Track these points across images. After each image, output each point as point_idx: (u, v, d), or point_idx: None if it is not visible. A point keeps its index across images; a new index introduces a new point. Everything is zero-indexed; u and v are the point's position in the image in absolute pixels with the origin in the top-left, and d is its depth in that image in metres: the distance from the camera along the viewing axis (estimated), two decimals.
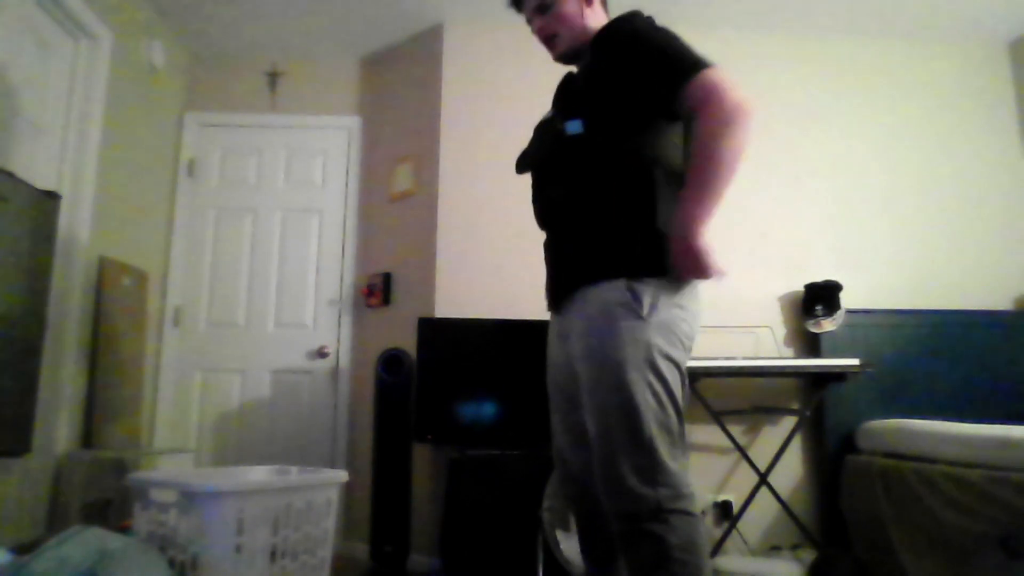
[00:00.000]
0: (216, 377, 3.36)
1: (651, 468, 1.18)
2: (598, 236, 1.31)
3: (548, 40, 1.50)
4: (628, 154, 1.31)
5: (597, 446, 1.23)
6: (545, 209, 1.45)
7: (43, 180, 2.47)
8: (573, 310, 1.33)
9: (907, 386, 2.98)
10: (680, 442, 1.23)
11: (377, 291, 3.32)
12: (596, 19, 1.47)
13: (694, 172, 1.22)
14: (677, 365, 1.25)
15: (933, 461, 2.37)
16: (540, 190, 1.47)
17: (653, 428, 1.19)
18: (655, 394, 1.20)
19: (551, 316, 1.50)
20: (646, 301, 1.23)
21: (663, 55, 1.25)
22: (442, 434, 2.76)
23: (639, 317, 1.22)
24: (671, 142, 1.34)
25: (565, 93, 1.51)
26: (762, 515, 2.92)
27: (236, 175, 3.55)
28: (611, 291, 1.25)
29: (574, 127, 1.34)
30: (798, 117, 3.36)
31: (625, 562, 1.22)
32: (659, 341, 1.22)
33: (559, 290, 1.41)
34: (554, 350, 1.46)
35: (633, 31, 1.32)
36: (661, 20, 1.37)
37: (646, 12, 1.41)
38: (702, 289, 1.35)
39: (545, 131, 1.49)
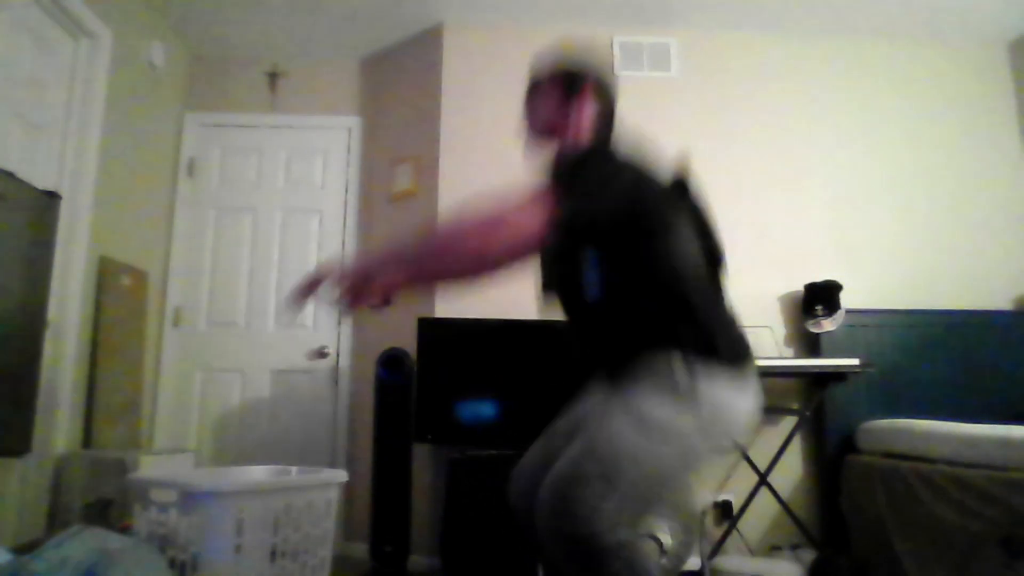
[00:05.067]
0: (216, 377, 3.36)
1: (595, 508, 1.10)
2: (641, 323, 1.24)
3: (526, 124, 1.48)
4: (638, 266, 1.24)
5: (565, 461, 1.17)
6: (586, 357, 1.39)
7: (43, 180, 2.47)
8: (621, 385, 1.25)
9: (907, 386, 2.98)
10: (640, 510, 1.19)
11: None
12: (578, 119, 1.40)
13: (436, 236, 1.15)
14: (694, 456, 1.19)
15: (933, 461, 2.37)
16: (575, 331, 1.40)
17: (625, 481, 1.12)
18: (654, 462, 1.15)
19: (589, 391, 1.43)
20: (694, 383, 1.15)
21: (560, 176, 1.20)
22: (442, 434, 2.76)
23: (685, 396, 1.15)
24: (675, 243, 1.27)
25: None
26: (762, 515, 2.92)
27: (236, 175, 3.55)
28: (662, 366, 1.18)
29: (593, 294, 1.28)
30: (798, 117, 3.36)
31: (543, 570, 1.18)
32: (691, 429, 1.15)
33: (604, 368, 1.34)
34: (580, 406, 1.41)
35: (568, 164, 1.24)
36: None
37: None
38: None
39: (560, 277, 1.41)
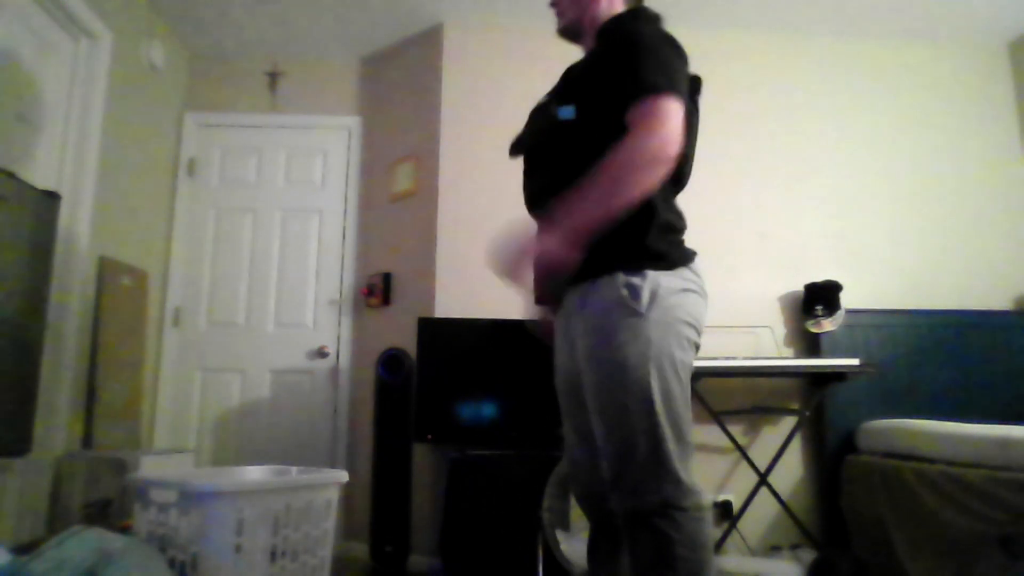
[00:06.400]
0: (216, 377, 3.36)
1: (656, 465, 1.17)
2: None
3: (555, 8, 1.51)
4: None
5: (603, 446, 1.23)
6: (534, 194, 1.43)
7: (43, 180, 2.47)
8: (574, 310, 1.33)
9: (907, 386, 2.98)
10: (685, 438, 1.22)
11: (377, 291, 3.32)
12: (607, 3, 1.44)
13: (597, 174, 1.16)
14: (681, 359, 1.24)
15: (933, 461, 2.37)
16: (530, 175, 1.45)
17: (658, 427, 1.18)
18: (660, 391, 1.19)
19: (556, 319, 1.49)
20: (644, 295, 1.21)
21: (636, 65, 1.23)
22: (442, 434, 2.76)
23: (638, 314, 1.20)
24: None
25: (564, 80, 1.50)
26: (762, 515, 2.92)
27: (236, 175, 3.55)
28: (608, 288, 1.24)
29: (566, 112, 1.32)
30: (798, 117, 3.36)
31: (629, 559, 1.22)
32: (659, 336, 1.20)
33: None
34: (561, 355, 1.46)
35: (628, 33, 1.31)
36: (671, 19, 1.36)
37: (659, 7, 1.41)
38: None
39: (538, 115, 1.47)
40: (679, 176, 1.34)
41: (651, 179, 1.15)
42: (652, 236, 1.26)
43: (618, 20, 1.38)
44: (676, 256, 1.28)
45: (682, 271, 1.27)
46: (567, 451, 1.44)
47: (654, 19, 1.37)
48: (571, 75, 1.47)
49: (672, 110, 1.16)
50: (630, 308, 1.21)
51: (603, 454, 1.24)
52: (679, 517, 1.16)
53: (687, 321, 1.25)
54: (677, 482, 1.17)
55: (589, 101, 1.31)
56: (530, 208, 1.46)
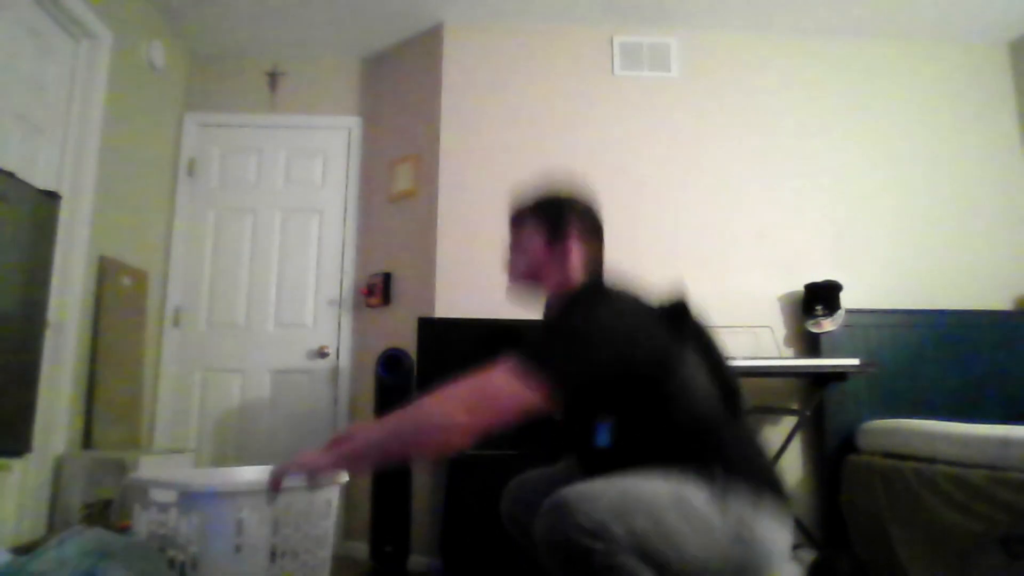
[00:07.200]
0: (216, 377, 3.36)
1: (603, 524, 1.05)
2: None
3: (508, 261, 1.45)
4: (664, 422, 1.20)
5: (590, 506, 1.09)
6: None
7: (43, 180, 2.47)
8: None
9: (907, 386, 2.98)
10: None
11: (377, 291, 3.32)
12: (564, 265, 1.35)
13: (394, 418, 1.14)
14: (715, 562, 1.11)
15: (933, 461, 2.37)
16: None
17: (641, 515, 1.07)
18: (674, 529, 1.08)
19: None
20: (727, 506, 1.11)
21: (549, 332, 1.20)
22: None
23: (720, 509, 1.11)
24: (692, 387, 1.22)
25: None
26: None
27: (236, 175, 3.55)
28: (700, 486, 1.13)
29: (603, 439, 1.24)
30: (797, 117, 3.36)
31: None
32: (722, 538, 1.10)
33: None
34: None
35: (568, 309, 1.24)
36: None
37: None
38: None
39: (567, 429, 1.40)
40: (726, 394, 1.25)
41: (434, 441, 1.10)
42: (743, 465, 1.17)
43: (574, 299, 1.29)
44: (764, 484, 1.18)
45: (772, 501, 1.17)
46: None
47: (602, 298, 1.24)
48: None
49: (495, 385, 1.12)
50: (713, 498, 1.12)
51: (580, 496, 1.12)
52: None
53: (759, 559, 1.14)
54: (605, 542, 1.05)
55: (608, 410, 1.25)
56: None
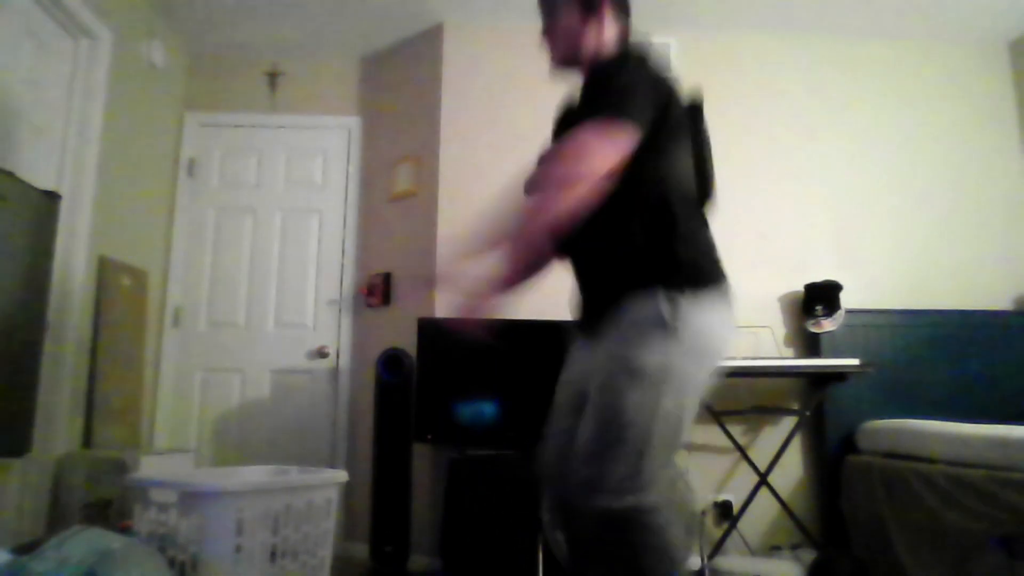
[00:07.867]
0: (216, 377, 3.36)
1: (632, 476, 1.17)
2: (623, 257, 1.29)
3: (546, 46, 1.52)
4: (634, 179, 1.28)
5: (586, 442, 1.23)
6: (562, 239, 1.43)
7: (43, 180, 2.47)
8: (606, 331, 1.31)
9: (907, 386, 2.98)
10: (670, 460, 1.23)
11: (377, 291, 3.32)
12: (599, 38, 1.43)
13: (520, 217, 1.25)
14: (697, 384, 1.24)
15: (933, 461, 2.37)
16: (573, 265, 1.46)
17: (649, 440, 1.18)
18: (665, 408, 1.19)
19: (579, 340, 1.47)
20: (677, 315, 1.21)
21: (602, 97, 1.25)
22: (442, 434, 2.76)
23: (669, 331, 1.20)
24: (675, 164, 1.32)
25: (566, 122, 1.48)
26: (762, 515, 2.92)
27: (236, 175, 3.55)
28: (645, 305, 1.23)
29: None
30: (797, 117, 3.36)
31: (581, 553, 1.25)
32: (683, 361, 1.21)
33: (593, 314, 1.38)
34: (574, 369, 1.44)
35: (606, 77, 1.30)
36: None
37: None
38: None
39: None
40: (702, 193, 1.36)
41: (553, 203, 1.19)
42: (680, 249, 1.26)
43: (604, 68, 1.35)
44: (713, 275, 1.29)
45: (716, 297, 1.27)
46: (545, 446, 1.46)
47: (639, 62, 1.33)
48: (568, 119, 1.46)
49: (599, 139, 1.19)
50: (663, 325, 1.21)
51: (581, 450, 1.23)
52: (640, 520, 1.17)
53: (712, 346, 1.26)
54: (642, 492, 1.17)
55: None
56: (559, 251, 1.48)
